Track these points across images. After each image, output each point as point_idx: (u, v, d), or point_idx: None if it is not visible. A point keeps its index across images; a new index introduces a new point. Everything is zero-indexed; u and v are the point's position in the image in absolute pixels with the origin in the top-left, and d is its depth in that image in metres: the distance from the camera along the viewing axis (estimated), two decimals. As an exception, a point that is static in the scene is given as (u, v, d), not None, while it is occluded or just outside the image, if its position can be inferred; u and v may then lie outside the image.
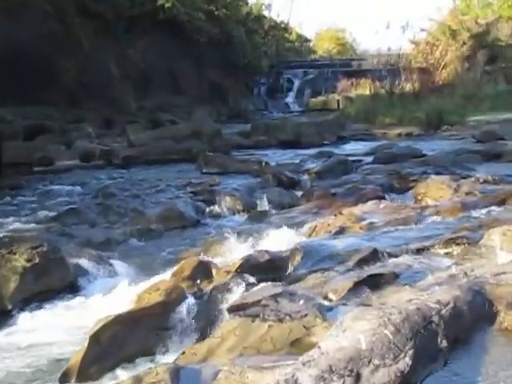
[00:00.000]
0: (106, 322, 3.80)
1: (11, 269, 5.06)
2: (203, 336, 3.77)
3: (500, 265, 3.72)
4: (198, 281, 4.60)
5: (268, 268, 4.59)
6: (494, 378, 2.45)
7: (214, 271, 4.78)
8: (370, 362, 2.30)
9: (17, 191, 10.20)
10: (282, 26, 35.80)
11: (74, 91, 20.72)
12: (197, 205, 8.60)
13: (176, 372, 2.79)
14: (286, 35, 36.79)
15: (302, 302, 3.44)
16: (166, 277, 4.91)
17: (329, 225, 6.13)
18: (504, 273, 3.29)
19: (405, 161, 10.95)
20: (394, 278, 3.91)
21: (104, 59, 22.13)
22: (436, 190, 7.51)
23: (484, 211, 5.86)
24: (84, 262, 5.72)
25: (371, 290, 3.72)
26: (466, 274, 3.48)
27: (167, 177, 11.21)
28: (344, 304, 3.53)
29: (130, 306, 4.23)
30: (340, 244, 5.04)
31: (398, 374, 2.29)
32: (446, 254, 4.48)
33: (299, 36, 40.64)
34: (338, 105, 24.77)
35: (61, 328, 4.48)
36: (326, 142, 15.63)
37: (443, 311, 2.64)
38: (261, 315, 3.32)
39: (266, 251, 4.85)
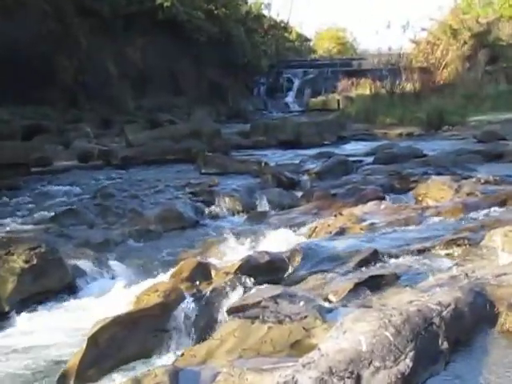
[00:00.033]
0: (105, 324, 3.79)
1: (9, 270, 5.06)
2: (202, 338, 3.76)
3: (501, 266, 3.72)
4: (197, 282, 4.59)
5: (268, 269, 4.59)
6: (496, 380, 2.45)
7: (213, 272, 4.77)
8: (370, 363, 2.30)
9: (14, 192, 10.19)
10: (282, 25, 35.80)
11: (72, 91, 20.73)
12: (196, 205, 8.61)
13: (175, 374, 2.79)
14: (286, 34, 36.79)
15: (301, 303, 3.44)
16: (164, 278, 4.91)
17: (329, 225, 6.13)
18: (505, 274, 3.29)
19: (405, 161, 10.96)
20: (394, 279, 3.91)
21: (102, 58, 22.14)
22: (437, 191, 7.51)
23: (485, 212, 5.86)
24: (82, 263, 5.72)
25: (372, 292, 3.72)
26: (467, 275, 3.48)
27: (166, 177, 11.21)
28: (344, 305, 3.53)
29: (129, 308, 4.23)
30: (340, 245, 5.04)
31: (399, 376, 2.29)
32: (447, 255, 4.48)
33: (299, 35, 40.65)
34: (339, 105, 24.78)
35: (59, 329, 4.48)
36: (326, 142, 15.64)
37: (444, 313, 2.64)
38: (260, 317, 3.32)
39: (266, 252, 4.84)
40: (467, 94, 20.65)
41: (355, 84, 25.06)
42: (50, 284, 5.20)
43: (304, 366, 2.32)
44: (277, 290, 3.71)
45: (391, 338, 2.40)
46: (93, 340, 3.72)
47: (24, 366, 3.97)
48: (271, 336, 3.17)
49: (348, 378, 2.24)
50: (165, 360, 3.69)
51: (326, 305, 3.57)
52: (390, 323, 2.46)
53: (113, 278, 5.64)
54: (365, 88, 24.03)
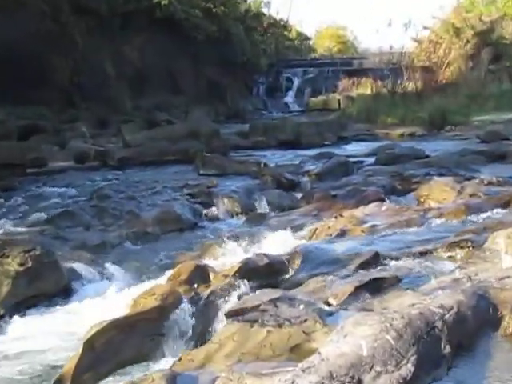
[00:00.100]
0: (101, 328, 3.79)
1: (3, 273, 5.06)
2: (200, 342, 3.77)
3: (505, 269, 3.72)
4: (195, 285, 4.60)
5: (267, 272, 4.59)
6: (499, 384, 2.45)
7: (211, 275, 4.78)
8: (371, 368, 2.29)
9: (9, 193, 10.19)
10: (282, 23, 35.79)
11: (69, 90, 20.74)
12: (194, 207, 8.61)
13: (172, 379, 2.79)
14: (286, 33, 36.78)
15: (301, 306, 3.44)
16: (162, 281, 4.91)
17: (329, 227, 6.13)
18: (509, 277, 3.29)
19: (407, 162, 10.97)
20: (396, 282, 3.92)
21: (99, 58, 22.14)
22: (439, 192, 7.52)
23: (488, 214, 5.87)
24: (78, 266, 5.72)
25: (373, 295, 3.72)
26: (469, 278, 3.48)
27: (163, 178, 11.21)
28: (345, 309, 3.53)
29: (126, 311, 4.23)
30: (341, 247, 5.04)
31: (401, 381, 2.29)
32: (450, 257, 4.49)
33: (299, 34, 40.63)
34: (339, 104, 24.79)
35: (54, 333, 4.48)
36: (326, 143, 15.64)
37: (446, 316, 2.63)
38: (260, 320, 3.32)
39: (265, 255, 4.85)
40: (470, 93, 20.67)
41: (356, 83, 25.08)
42: (45, 287, 5.20)
43: (304, 370, 2.32)
44: (276, 293, 3.72)
45: (393, 342, 2.39)
46: (89, 344, 3.71)
47: (19, 371, 3.97)
48: (270, 340, 3.17)
49: (349, 382, 2.24)
50: (162, 364, 3.69)
51: (327, 308, 3.57)
52: (392, 327, 2.46)
53: (109, 280, 5.64)
54: (366, 87, 24.05)
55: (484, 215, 5.83)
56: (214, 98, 26.16)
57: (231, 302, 4.00)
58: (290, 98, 29.57)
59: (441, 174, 9.13)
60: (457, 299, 2.81)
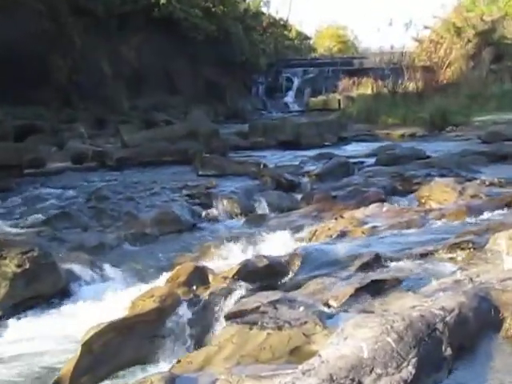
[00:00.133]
0: (99, 330, 3.79)
1: (1, 274, 5.06)
2: (199, 344, 3.77)
3: (506, 270, 3.72)
4: (194, 287, 4.60)
5: (267, 274, 4.60)
6: (500, 387, 2.46)
7: (210, 277, 4.78)
8: (372, 370, 2.30)
9: (6, 194, 10.18)
10: (281, 23, 35.82)
11: (66, 90, 20.72)
12: (193, 208, 8.61)
13: (171, 381, 2.79)
14: (285, 33, 36.79)
15: (301, 308, 3.44)
16: (160, 283, 4.91)
17: (329, 229, 6.14)
18: (510, 278, 3.29)
19: (408, 162, 10.97)
20: (396, 283, 3.92)
21: (96, 58, 22.14)
22: (440, 193, 7.52)
23: (490, 215, 5.88)
24: (76, 268, 5.72)
25: (373, 297, 3.73)
26: (471, 279, 3.48)
27: (162, 179, 11.21)
28: (345, 311, 3.54)
29: (124, 313, 4.23)
30: (341, 249, 5.04)
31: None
32: (451, 258, 4.49)
33: (299, 33, 40.65)
34: (339, 104, 24.79)
35: (52, 335, 4.48)
36: (326, 143, 15.65)
37: (448, 318, 2.64)
38: (259, 322, 3.32)
39: (265, 256, 4.85)
40: (471, 93, 20.68)
41: (356, 83, 25.08)
42: (42, 289, 5.20)
43: (304, 373, 2.32)
44: (276, 295, 3.72)
45: (393, 345, 2.40)
46: (87, 346, 3.72)
47: (16, 373, 3.97)
48: (270, 342, 3.17)
49: (349, 385, 2.24)
50: (161, 367, 3.69)
51: (327, 310, 3.57)
52: (393, 329, 2.47)
53: (107, 282, 5.63)
54: (366, 87, 24.05)
55: (485, 216, 5.84)
56: (212, 98, 26.17)
57: (230, 304, 4.00)
58: (289, 97, 29.58)
59: (442, 175, 9.13)
60: (458, 301, 2.81)
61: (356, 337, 2.47)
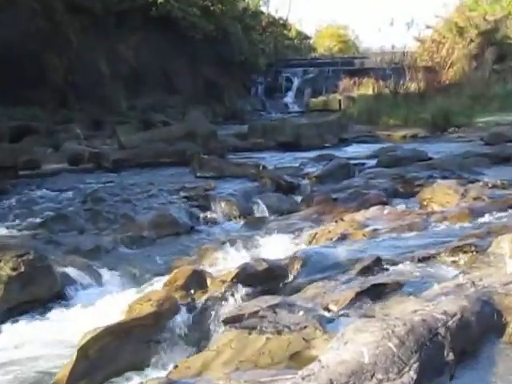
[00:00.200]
0: (95, 334, 3.79)
1: (-5, 278, 5.06)
2: (197, 349, 3.77)
3: (509, 274, 3.72)
4: (192, 291, 4.60)
5: (266, 277, 4.60)
6: (503, 392, 2.46)
7: (208, 281, 4.78)
8: (372, 376, 2.30)
9: (1, 196, 10.18)
10: (281, 22, 35.80)
11: (62, 90, 20.72)
12: (191, 211, 8.61)
13: (169, 387, 2.79)
14: (285, 32, 36.78)
15: (301, 313, 3.44)
16: (158, 287, 4.92)
17: (330, 232, 6.14)
18: (513, 282, 3.30)
19: (410, 164, 10.97)
20: (398, 287, 3.92)
21: (93, 57, 22.13)
22: (442, 195, 7.53)
23: (493, 217, 5.88)
24: (72, 271, 5.72)
25: (374, 301, 3.73)
26: (473, 283, 3.48)
27: (159, 181, 11.20)
28: (345, 315, 3.54)
29: (121, 317, 4.23)
30: (341, 252, 5.05)
31: (403, 389, 2.29)
32: (453, 262, 4.50)
33: (299, 33, 40.65)
34: (340, 105, 24.78)
35: (47, 340, 4.48)
36: (326, 145, 15.64)
37: (450, 322, 2.64)
38: (258, 327, 3.32)
39: (264, 260, 4.86)
40: (474, 94, 20.69)
41: (357, 84, 25.07)
42: (38, 292, 5.20)
43: (303, 378, 2.32)
44: (275, 299, 3.72)
45: (395, 350, 2.40)
46: (83, 351, 3.72)
47: (11, 379, 3.96)
48: (269, 347, 3.17)
49: (349, 390, 2.25)
50: (158, 372, 3.69)
51: (327, 314, 3.57)
52: (394, 334, 2.47)
53: (104, 286, 5.64)
54: (367, 88, 24.05)
55: (488, 219, 5.84)
56: (211, 99, 26.16)
57: (229, 308, 4.00)
58: (289, 98, 29.56)
59: (444, 177, 9.13)
60: (460, 305, 2.82)
61: (357, 341, 2.47)
